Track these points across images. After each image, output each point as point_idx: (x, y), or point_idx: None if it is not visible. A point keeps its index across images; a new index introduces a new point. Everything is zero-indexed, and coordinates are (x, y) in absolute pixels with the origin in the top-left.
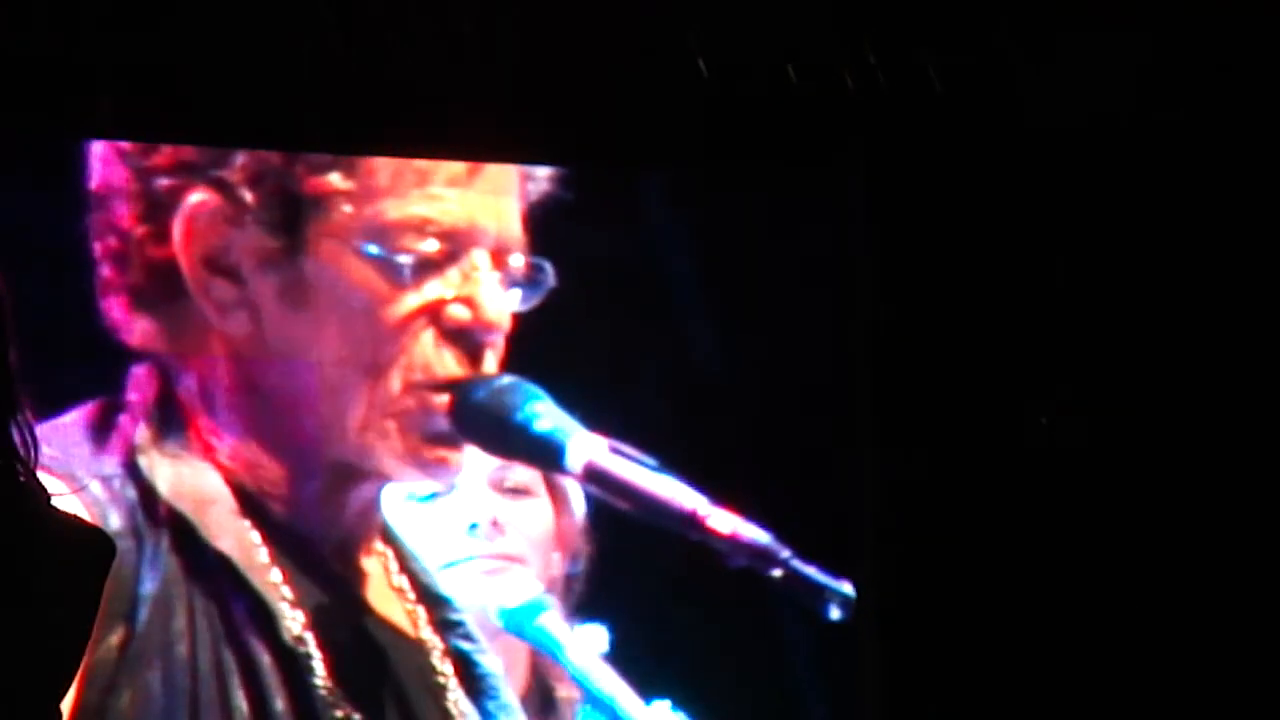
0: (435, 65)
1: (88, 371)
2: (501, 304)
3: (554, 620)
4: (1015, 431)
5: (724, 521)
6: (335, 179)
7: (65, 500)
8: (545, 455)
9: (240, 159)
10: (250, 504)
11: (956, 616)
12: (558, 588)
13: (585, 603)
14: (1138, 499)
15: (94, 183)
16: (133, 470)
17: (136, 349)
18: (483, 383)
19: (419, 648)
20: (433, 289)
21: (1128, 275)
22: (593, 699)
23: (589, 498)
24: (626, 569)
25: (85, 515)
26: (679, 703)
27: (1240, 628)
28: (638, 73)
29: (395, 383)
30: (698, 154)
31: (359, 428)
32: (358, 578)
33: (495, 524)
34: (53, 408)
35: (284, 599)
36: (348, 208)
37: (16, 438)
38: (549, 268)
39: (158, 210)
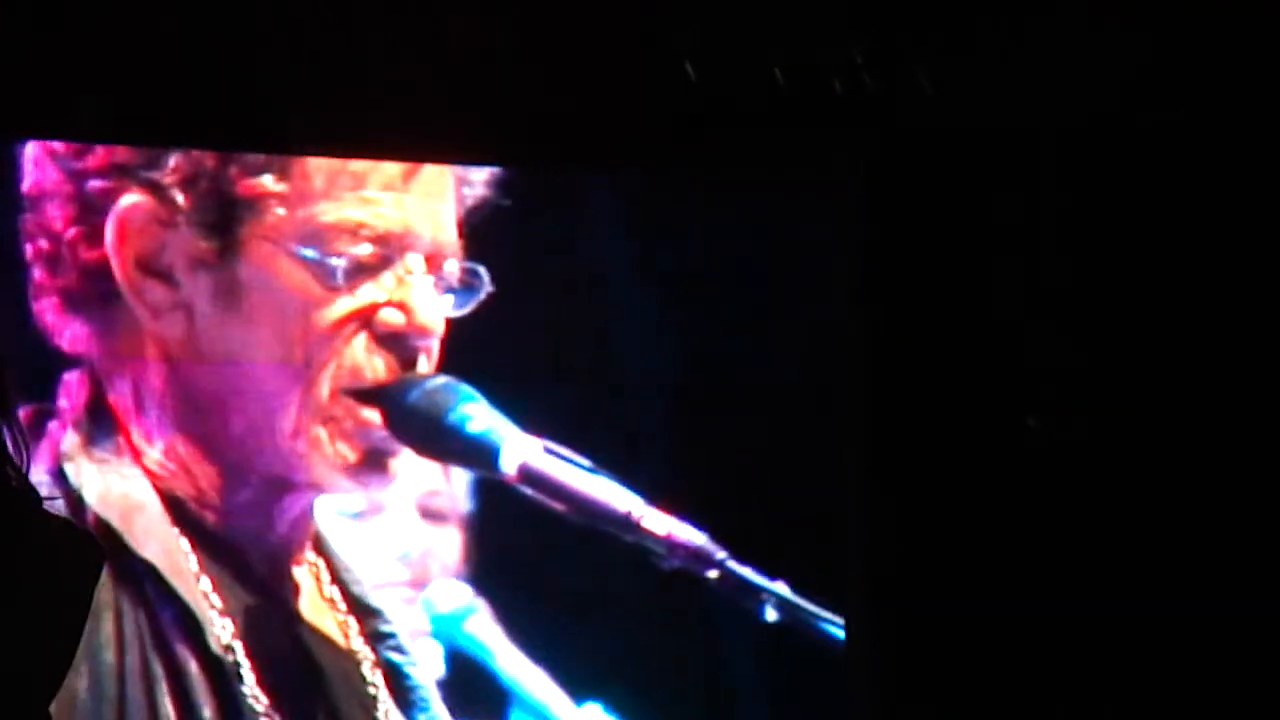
0: (422, 65)
1: (18, 377)
2: (435, 309)
3: (483, 625)
4: (1011, 434)
5: (659, 523)
6: (269, 181)
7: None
8: (479, 457)
9: (173, 161)
10: (180, 511)
11: (955, 615)
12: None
13: (513, 608)
14: (1132, 500)
15: (26, 185)
16: (59, 478)
17: (68, 353)
18: (416, 383)
19: (350, 658)
20: (366, 293)
21: (1122, 275)
22: (523, 704)
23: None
24: (555, 572)
25: None
26: (610, 707)
27: (1237, 646)
28: (625, 76)
29: (325, 388)
30: (684, 157)
31: (291, 434)
32: (289, 587)
33: (427, 552)
34: None
35: (213, 607)
36: (281, 210)
37: (8, 441)
38: (484, 272)
39: (90, 212)
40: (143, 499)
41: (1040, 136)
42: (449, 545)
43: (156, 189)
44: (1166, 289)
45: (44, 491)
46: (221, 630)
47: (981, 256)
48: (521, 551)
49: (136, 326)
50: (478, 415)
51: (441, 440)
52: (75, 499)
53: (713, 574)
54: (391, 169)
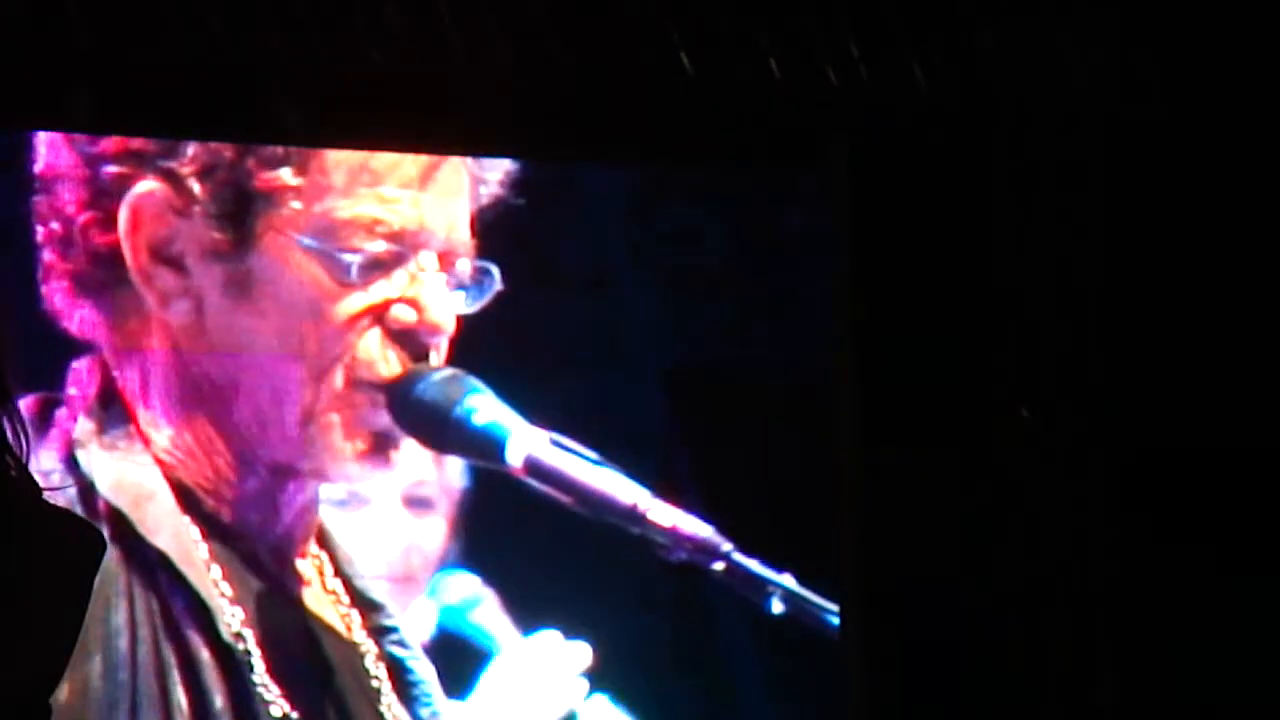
0: (422, 62)
1: (28, 363)
2: (447, 306)
3: (490, 615)
4: (1002, 428)
5: (665, 515)
6: (286, 174)
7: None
8: (485, 449)
9: (191, 150)
10: (189, 499)
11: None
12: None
13: (522, 600)
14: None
15: (39, 167)
16: (72, 465)
17: (76, 338)
18: (422, 376)
19: (354, 650)
20: (379, 289)
21: (1114, 267)
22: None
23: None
24: (558, 562)
25: None
26: (616, 698)
27: (1237, 647)
28: (621, 70)
29: (338, 380)
30: (682, 150)
31: (299, 424)
32: (294, 579)
33: (419, 544)
34: None
35: (223, 595)
36: (297, 204)
37: (8, 430)
38: (495, 271)
39: (104, 197)
40: (154, 487)
41: (1034, 130)
42: (436, 535)
43: (172, 177)
44: (1160, 281)
45: (56, 479)
46: (232, 618)
47: (978, 248)
48: (523, 544)
49: (145, 313)
50: (484, 407)
51: (447, 432)
52: (87, 486)
53: (719, 566)
54: (410, 168)
